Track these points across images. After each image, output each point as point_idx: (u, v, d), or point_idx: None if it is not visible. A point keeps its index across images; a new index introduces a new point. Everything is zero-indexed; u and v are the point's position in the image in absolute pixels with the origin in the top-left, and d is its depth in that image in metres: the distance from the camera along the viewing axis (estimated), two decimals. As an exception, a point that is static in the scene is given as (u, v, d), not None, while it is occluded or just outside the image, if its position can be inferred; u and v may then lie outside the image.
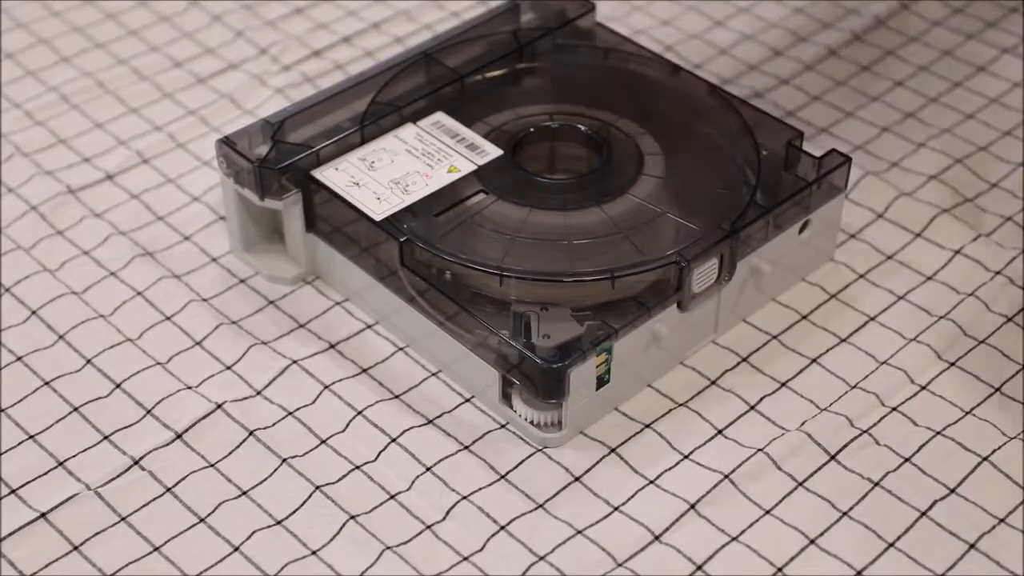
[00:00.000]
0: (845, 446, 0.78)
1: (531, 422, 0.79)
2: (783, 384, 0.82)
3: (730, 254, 0.80)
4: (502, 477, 0.77)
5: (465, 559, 0.74)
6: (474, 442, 0.79)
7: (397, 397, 0.82)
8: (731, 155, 0.87)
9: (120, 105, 1.03)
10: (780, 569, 0.73)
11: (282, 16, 1.11)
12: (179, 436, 0.79)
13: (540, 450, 0.79)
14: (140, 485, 0.77)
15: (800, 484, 0.77)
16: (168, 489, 0.77)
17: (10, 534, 0.74)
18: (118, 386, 0.82)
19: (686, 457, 0.78)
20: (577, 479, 0.77)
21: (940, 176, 0.96)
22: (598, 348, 0.76)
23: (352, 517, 0.75)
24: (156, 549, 0.74)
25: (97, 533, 0.75)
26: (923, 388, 0.82)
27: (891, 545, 0.74)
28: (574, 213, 0.83)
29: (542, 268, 0.80)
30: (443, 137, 0.88)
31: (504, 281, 0.79)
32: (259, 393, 0.82)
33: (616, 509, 0.76)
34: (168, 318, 0.86)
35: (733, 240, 0.80)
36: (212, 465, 0.78)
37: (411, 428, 0.80)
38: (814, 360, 0.83)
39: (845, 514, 0.75)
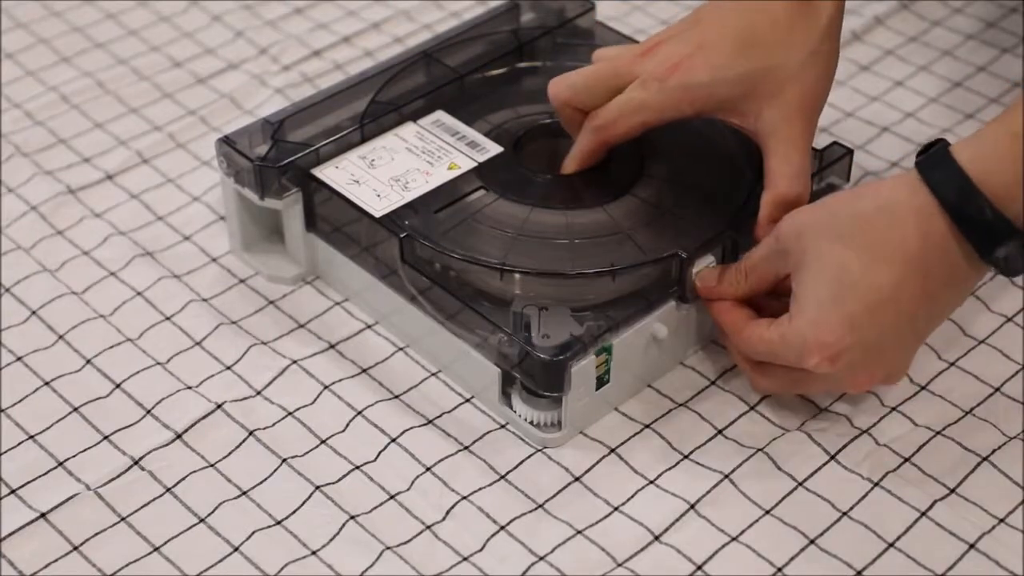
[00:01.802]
0: (845, 446, 0.78)
1: (531, 422, 0.79)
2: (783, 384, 0.82)
3: (732, 247, 0.80)
4: (502, 477, 0.77)
5: (465, 559, 0.74)
6: (474, 442, 0.79)
7: (397, 397, 0.82)
8: (732, 151, 0.87)
9: (120, 105, 1.03)
10: (780, 569, 0.73)
11: (282, 16, 1.11)
12: (179, 436, 0.79)
13: (540, 450, 0.79)
14: (140, 485, 0.77)
15: (800, 484, 0.77)
16: (168, 489, 0.77)
17: (10, 534, 0.74)
18: (118, 386, 0.82)
19: (686, 457, 0.78)
20: (577, 479, 0.77)
21: (940, 176, 0.96)
22: (598, 347, 0.76)
23: (352, 517, 0.75)
24: (156, 549, 0.74)
25: (97, 533, 0.75)
26: (923, 388, 0.82)
27: (891, 545, 0.74)
28: (575, 212, 0.83)
29: (543, 267, 0.80)
30: (443, 135, 0.88)
31: (505, 279, 0.79)
32: (259, 393, 0.82)
33: (616, 509, 0.76)
34: (168, 318, 0.86)
35: (733, 233, 0.80)
36: (212, 465, 0.78)
37: (411, 428, 0.80)
38: (814, 360, 0.83)
39: (845, 514, 0.75)
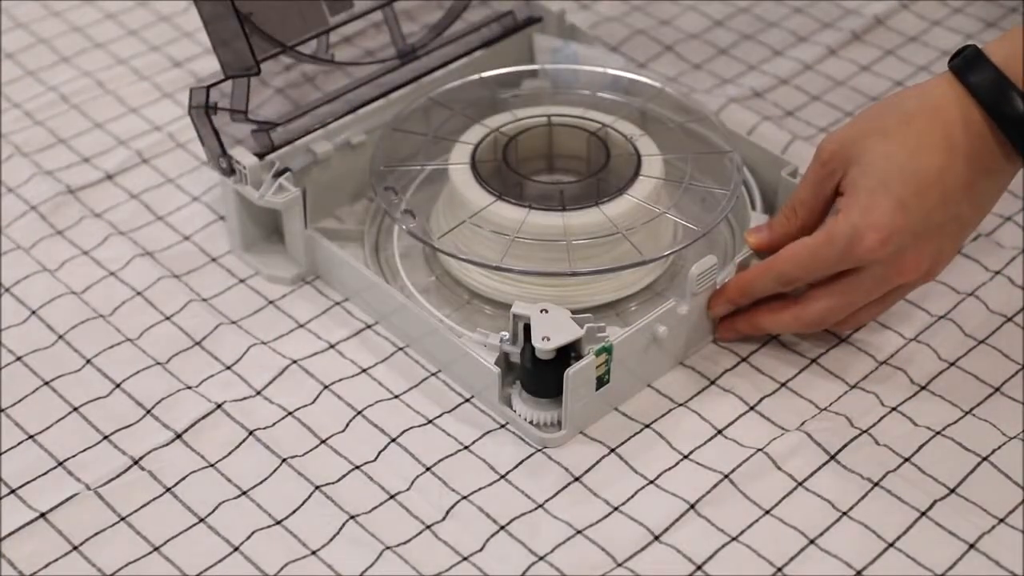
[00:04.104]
0: (845, 446, 0.78)
1: (531, 422, 0.79)
2: (783, 384, 0.82)
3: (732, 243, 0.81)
4: (502, 477, 0.77)
5: (465, 559, 0.74)
6: (474, 442, 0.79)
7: (397, 397, 0.82)
8: (727, 154, 0.87)
9: (120, 105, 1.03)
10: (780, 569, 0.73)
11: (282, 16, 1.11)
12: (179, 436, 0.79)
13: (540, 450, 0.79)
14: (140, 485, 0.77)
15: (800, 484, 0.77)
16: (168, 489, 0.77)
17: (10, 534, 0.74)
18: (118, 386, 0.82)
19: (686, 457, 0.78)
20: (577, 479, 0.77)
21: (940, 176, 0.96)
22: (597, 349, 0.76)
23: (352, 517, 0.75)
24: (156, 549, 0.74)
25: (97, 533, 0.75)
26: (923, 388, 0.82)
27: (891, 545, 0.74)
28: (573, 213, 0.83)
29: (542, 268, 0.80)
30: None
31: (503, 280, 0.79)
32: (259, 393, 0.82)
33: (616, 509, 0.76)
34: (168, 318, 0.86)
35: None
36: (212, 465, 0.78)
37: (411, 428, 0.80)
38: (814, 360, 0.83)
39: (845, 514, 0.75)
